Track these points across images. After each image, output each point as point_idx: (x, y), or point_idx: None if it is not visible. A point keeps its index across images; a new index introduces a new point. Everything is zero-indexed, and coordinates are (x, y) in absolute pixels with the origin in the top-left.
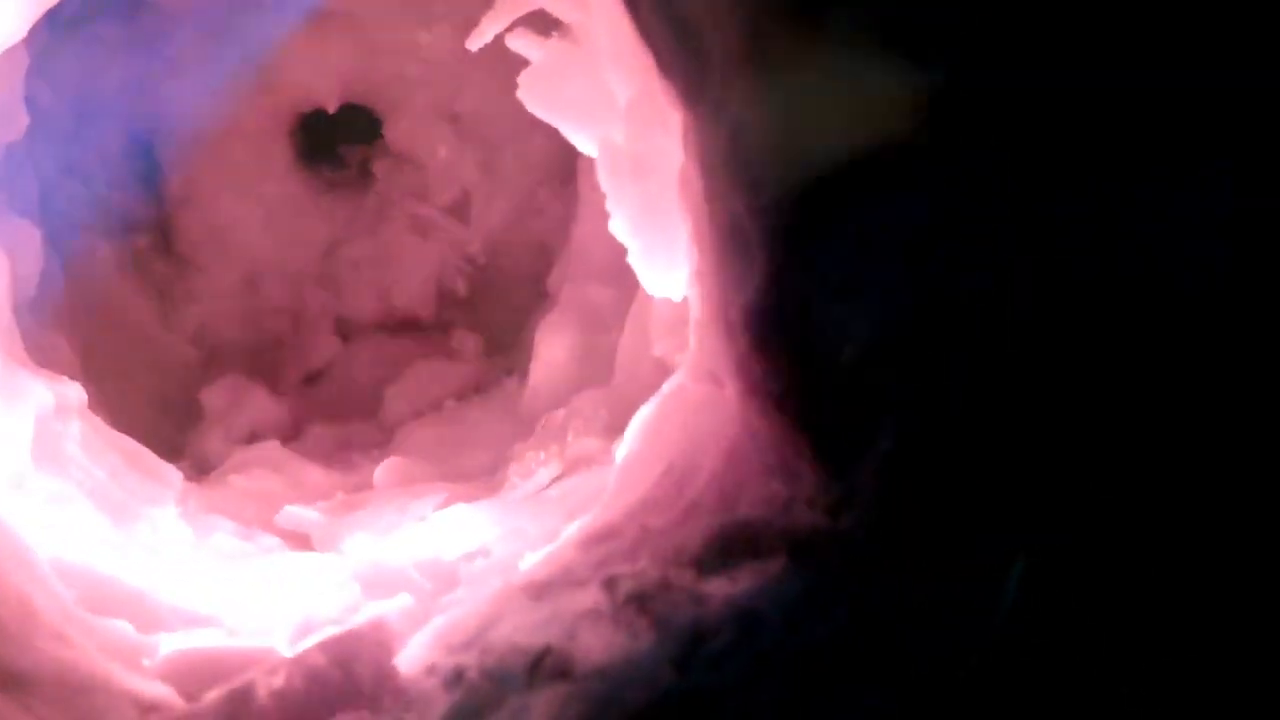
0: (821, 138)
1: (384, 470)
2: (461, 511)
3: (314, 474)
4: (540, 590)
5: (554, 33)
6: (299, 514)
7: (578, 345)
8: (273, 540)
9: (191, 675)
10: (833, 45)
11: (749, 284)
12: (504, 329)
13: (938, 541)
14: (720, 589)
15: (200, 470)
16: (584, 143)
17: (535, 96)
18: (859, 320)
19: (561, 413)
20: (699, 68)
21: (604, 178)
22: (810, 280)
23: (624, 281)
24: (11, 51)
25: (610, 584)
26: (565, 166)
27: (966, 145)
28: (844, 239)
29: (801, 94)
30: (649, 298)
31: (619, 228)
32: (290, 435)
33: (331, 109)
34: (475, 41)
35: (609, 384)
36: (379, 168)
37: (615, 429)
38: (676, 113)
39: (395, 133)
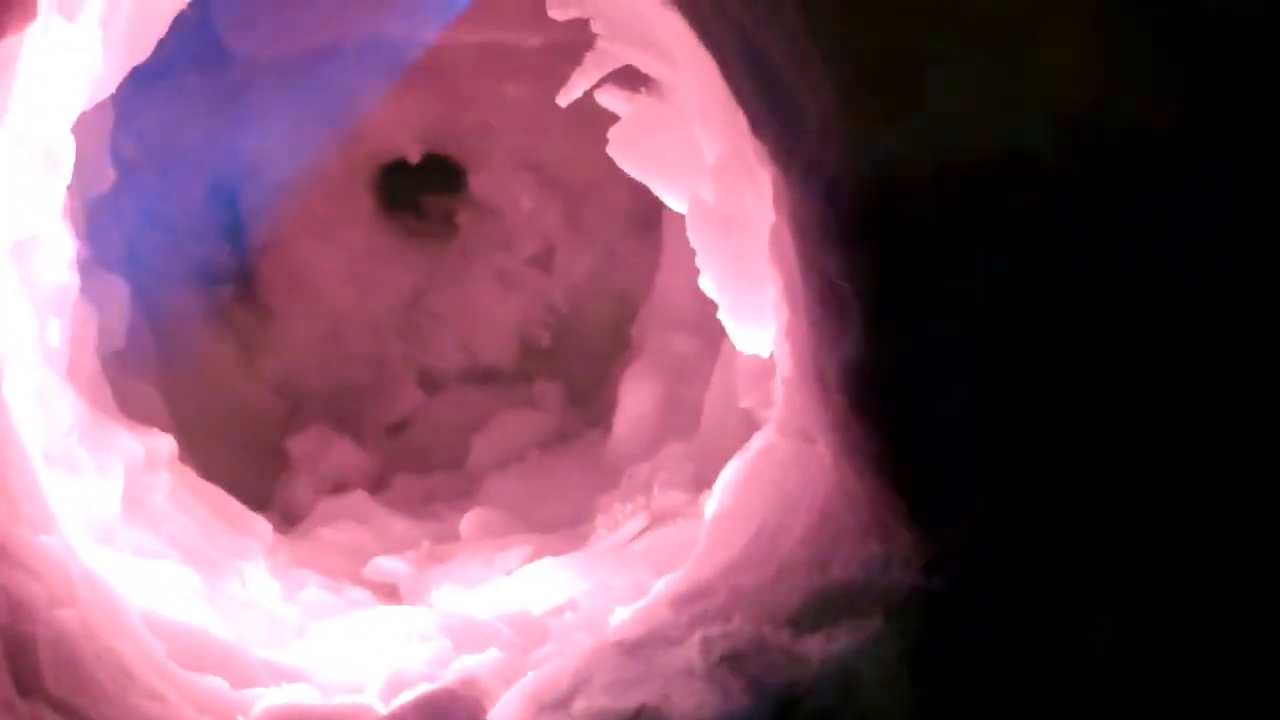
0: (914, 199)
1: (469, 521)
2: (548, 565)
3: (400, 525)
4: (632, 648)
5: (642, 89)
6: (387, 566)
7: (662, 396)
8: (361, 593)
9: None
10: (925, 109)
11: (844, 343)
12: (586, 379)
13: (1029, 600)
14: (816, 649)
15: (287, 519)
16: (672, 198)
17: (624, 152)
18: (956, 383)
19: (647, 465)
20: (791, 127)
21: (693, 234)
22: (908, 341)
23: (708, 332)
24: (99, 106)
25: (705, 644)
26: (648, 216)
27: (1068, 207)
28: (942, 300)
29: (894, 156)
30: (733, 349)
31: (708, 284)
32: (376, 486)
33: (414, 159)
34: (565, 97)
35: (694, 436)
36: (462, 218)
37: (701, 482)
38: (767, 172)
39: (478, 183)
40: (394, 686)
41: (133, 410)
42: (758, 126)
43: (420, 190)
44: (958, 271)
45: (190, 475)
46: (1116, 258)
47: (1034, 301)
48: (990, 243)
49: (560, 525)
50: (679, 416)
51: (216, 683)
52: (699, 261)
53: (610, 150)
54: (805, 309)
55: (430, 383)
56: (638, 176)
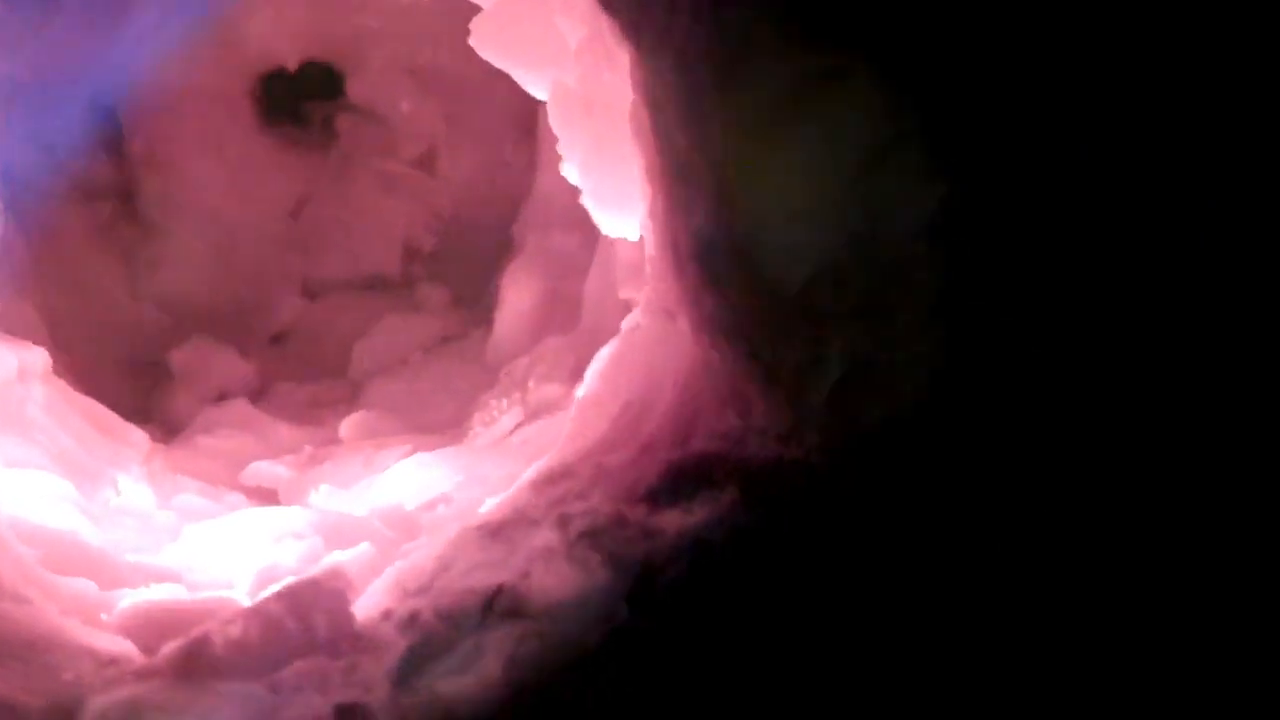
0: (766, 63)
1: (350, 424)
2: (424, 461)
3: (282, 431)
4: (495, 531)
5: None
6: (265, 470)
7: (543, 293)
8: (239, 498)
9: (151, 629)
10: None
11: (696, 215)
12: (472, 281)
13: (887, 467)
14: (673, 523)
15: (170, 432)
16: (537, 87)
17: (487, 42)
18: (806, 247)
19: (525, 360)
20: (642, 2)
21: (555, 121)
22: (757, 208)
23: (588, 227)
24: None
25: (563, 522)
26: (529, 117)
27: (911, 65)
28: (790, 165)
29: (741, 23)
30: (612, 242)
31: (571, 170)
32: (259, 394)
33: (292, 67)
34: None
35: (574, 330)
36: (342, 124)
37: (579, 375)
38: (624, 50)
39: (357, 88)
40: (263, 583)
41: (11, 327)
42: (610, 4)
43: (300, 98)
44: (807, 139)
45: (66, 388)
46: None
47: (879, 165)
48: (838, 108)
49: (442, 426)
50: (560, 312)
51: (85, 585)
52: (561, 148)
53: (473, 40)
54: (663, 185)
55: (314, 291)
56: (501, 66)
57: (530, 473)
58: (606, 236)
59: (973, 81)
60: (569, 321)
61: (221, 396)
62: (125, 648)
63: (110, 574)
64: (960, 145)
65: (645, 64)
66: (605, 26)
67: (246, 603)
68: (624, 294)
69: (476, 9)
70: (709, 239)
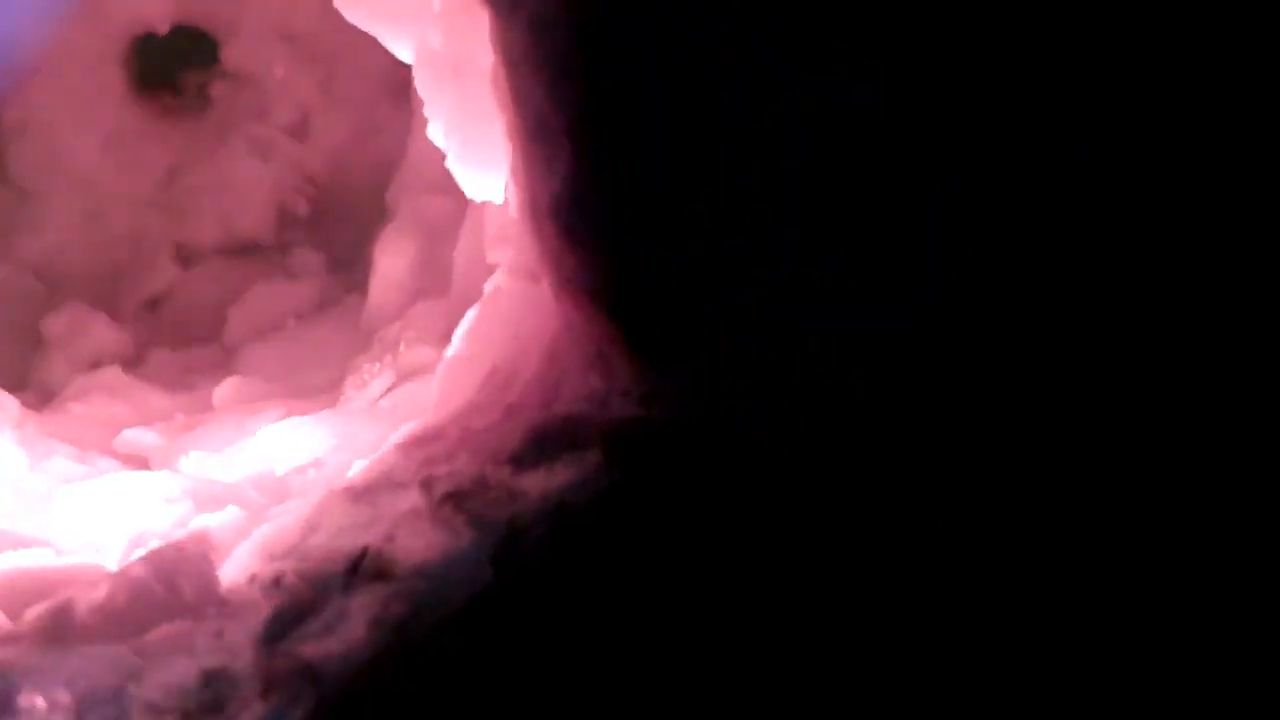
0: (619, 24)
1: (224, 390)
2: (295, 425)
3: (156, 398)
4: (360, 494)
5: None
6: (137, 437)
7: (416, 257)
8: (111, 463)
9: (16, 595)
10: None
11: (555, 176)
12: (346, 246)
13: (748, 427)
14: (536, 484)
15: (44, 399)
16: (402, 49)
17: (355, 5)
18: (666, 207)
19: (397, 325)
20: None
21: (420, 83)
22: (616, 168)
23: (460, 191)
24: None
25: (428, 484)
26: (403, 82)
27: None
28: (649, 124)
29: None
30: (483, 205)
31: (437, 132)
32: (133, 361)
33: (164, 31)
34: None
35: (446, 295)
36: (216, 90)
37: (449, 338)
38: (485, 10)
39: (231, 54)
40: (133, 548)
41: None
42: None
43: (173, 63)
44: (661, 98)
45: None
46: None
47: (744, 124)
48: (700, 64)
49: (316, 391)
50: (433, 276)
51: None
52: (426, 110)
53: (338, 4)
54: (523, 147)
55: (188, 257)
56: (366, 28)
57: (398, 436)
58: (475, 200)
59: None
60: (442, 286)
61: (95, 363)
62: None
63: None
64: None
65: (503, 24)
66: None
67: (114, 568)
68: (492, 258)
69: None
70: (567, 199)
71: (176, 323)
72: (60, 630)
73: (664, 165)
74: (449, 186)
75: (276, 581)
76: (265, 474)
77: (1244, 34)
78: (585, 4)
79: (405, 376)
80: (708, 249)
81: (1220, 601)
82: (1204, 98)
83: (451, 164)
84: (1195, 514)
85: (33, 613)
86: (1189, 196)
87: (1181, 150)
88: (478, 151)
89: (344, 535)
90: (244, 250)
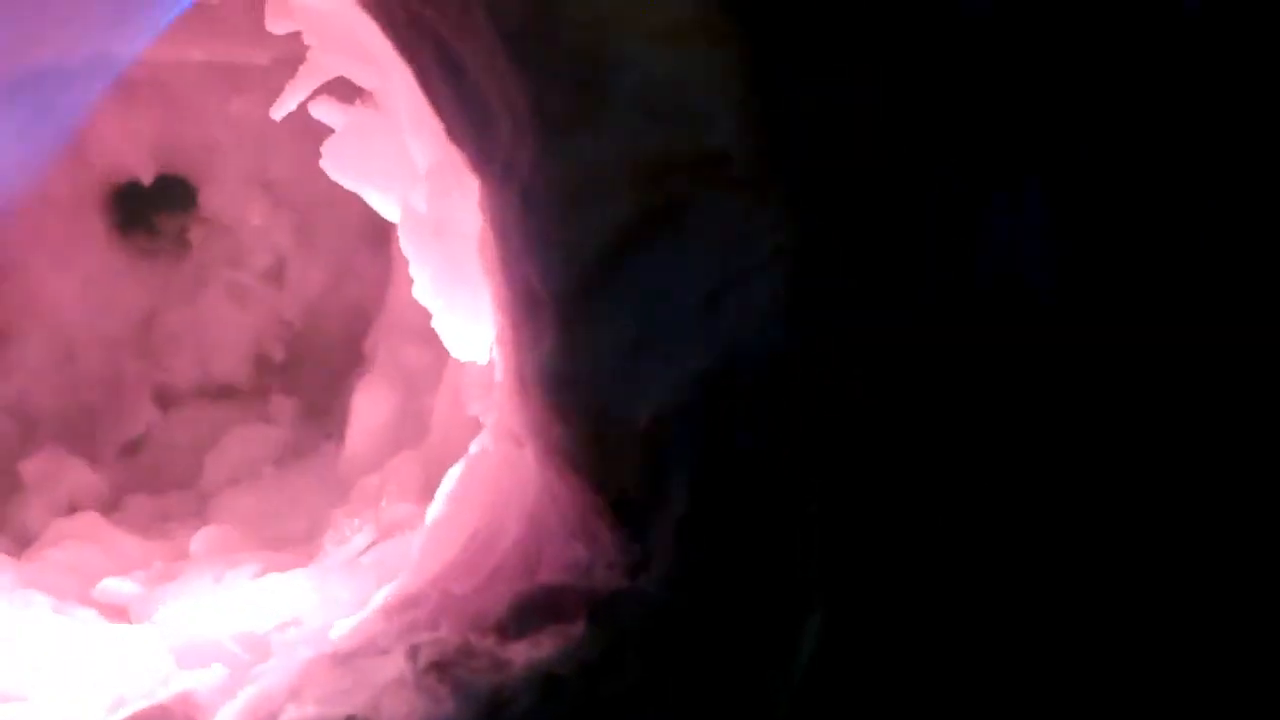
0: (607, 200)
1: (201, 539)
2: (276, 581)
3: (132, 545)
4: (345, 659)
5: (356, 100)
6: (116, 587)
7: (394, 408)
8: (90, 614)
9: None
10: (613, 110)
11: (542, 345)
12: (322, 393)
13: (734, 597)
14: (521, 654)
15: (20, 543)
16: (388, 208)
17: (339, 164)
18: (650, 381)
19: (376, 477)
20: (487, 134)
21: (405, 243)
22: (601, 341)
23: (439, 343)
24: None
25: (413, 652)
26: (381, 231)
27: (757, 199)
28: (633, 298)
29: (584, 157)
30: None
31: (423, 291)
32: (110, 505)
33: (146, 180)
34: (279, 110)
35: (424, 446)
36: (195, 235)
37: (430, 493)
38: (473, 178)
39: (209, 200)
40: (115, 706)
41: None
42: (455, 134)
43: (153, 208)
44: (650, 272)
45: None
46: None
47: (725, 299)
48: (681, 241)
49: (294, 541)
50: (410, 427)
51: None
52: (412, 270)
53: (324, 163)
54: (510, 313)
55: (165, 401)
56: (352, 188)
57: (381, 598)
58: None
59: (825, 211)
60: (419, 437)
61: (73, 507)
62: None
63: None
64: (807, 279)
65: (493, 194)
66: (455, 153)
67: None
68: (472, 411)
69: (328, 126)
70: (554, 370)
71: (153, 467)
72: None
73: (652, 338)
74: (428, 336)
75: None
76: (246, 631)
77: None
78: (573, 177)
79: (385, 532)
80: (691, 422)
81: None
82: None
83: (437, 324)
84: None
85: None
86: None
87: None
88: (463, 312)
89: (329, 702)
90: (221, 394)
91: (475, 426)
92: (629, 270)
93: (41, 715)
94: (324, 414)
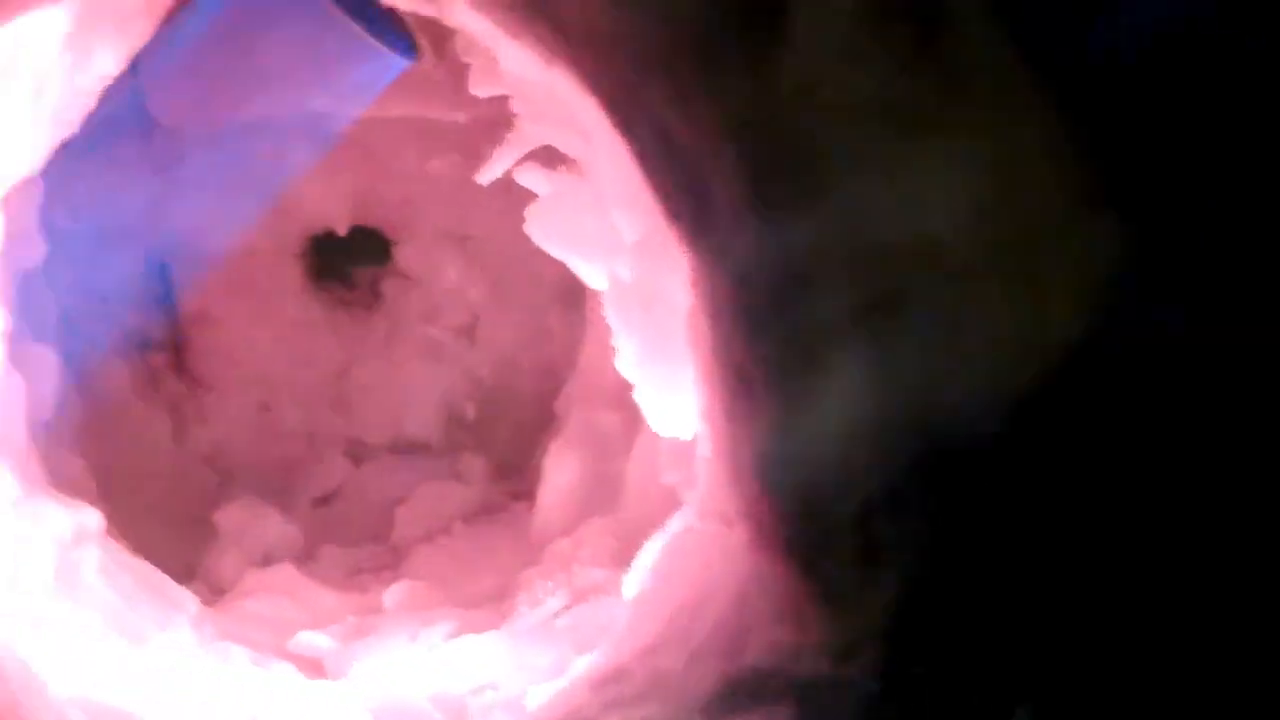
0: (825, 285)
1: (394, 595)
2: (470, 643)
3: (326, 597)
4: None
5: (561, 167)
6: (312, 640)
7: (586, 471)
8: (286, 667)
9: None
10: (832, 197)
11: (757, 430)
12: (512, 452)
13: (944, 689)
14: None
15: (214, 591)
16: (591, 276)
17: (542, 230)
18: (865, 468)
19: (568, 541)
20: (703, 213)
21: (610, 313)
22: (816, 426)
23: (632, 407)
24: (29, 180)
25: None
26: (574, 291)
27: (977, 289)
28: (850, 385)
29: (803, 243)
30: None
31: (625, 363)
32: (303, 557)
33: (342, 231)
34: (485, 175)
35: (616, 512)
36: (388, 289)
37: (623, 558)
38: (684, 255)
39: (404, 255)
40: None
41: (61, 482)
42: (671, 211)
43: (348, 261)
44: (867, 359)
45: (117, 549)
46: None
47: (943, 386)
48: (898, 328)
49: (484, 600)
50: (602, 491)
51: None
52: (615, 341)
53: (527, 228)
54: (720, 393)
55: (358, 454)
56: (555, 254)
57: (582, 669)
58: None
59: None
60: (611, 502)
61: (266, 559)
62: None
63: None
64: (1015, 370)
65: (706, 273)
66: (665, 228)
67: None
68: (666, 479)
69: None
70: (768, 454)
71: (346, 520)
72: None
73: (866, 425)
74: (621, 401)
75: None
76: (441, 691)
77: None
78: (792, 262)
79: (579, 596)
80: (905, 511)
81: None
82: None
83: (639, 397)
84: None
85: None
86: None
87: None
88: (666, 387)
89: None
90: (412, 450)
91: (670, 495)
92: (845, 356)
93: None
94: (514, 473)
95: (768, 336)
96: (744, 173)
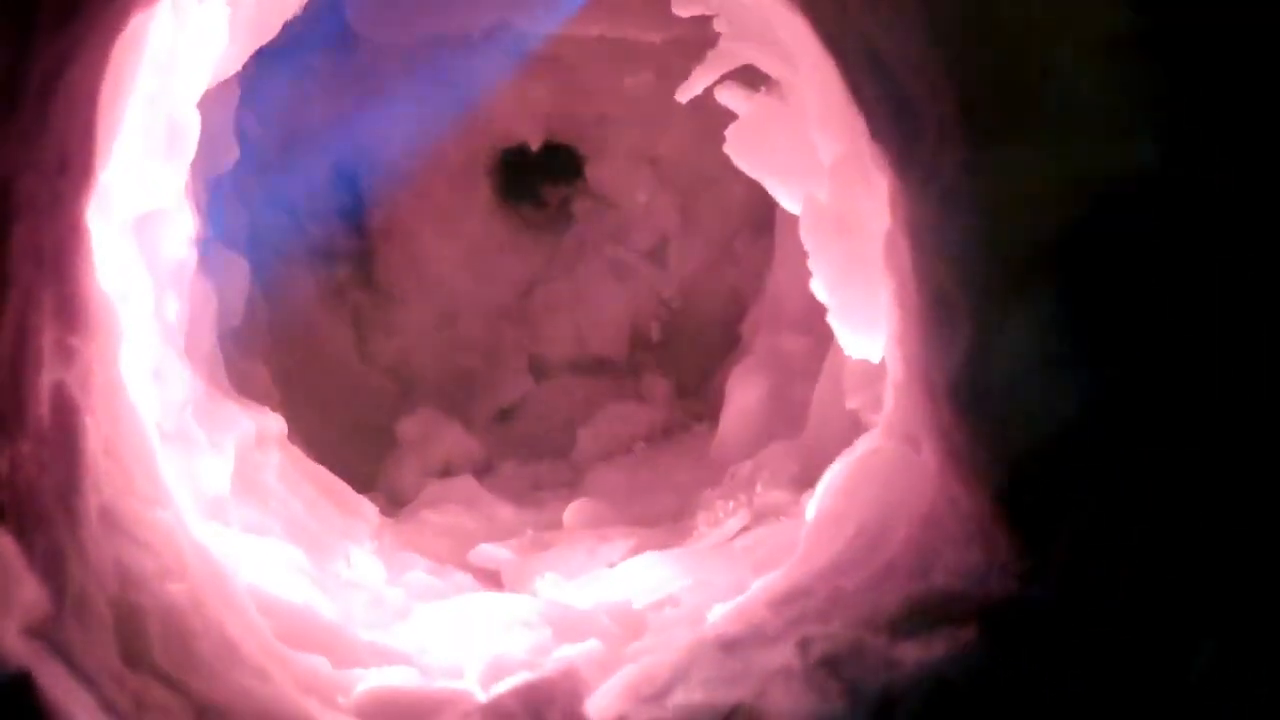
0: (1031, 212)
1: (573, 511)
2: (650, 559)
3: (505, 511)
4: (730, 646)
5: (762, 88)
6: (491, 552)
7: (769, 394)
8: (465, 578)
9: (386, 715)
10: (1043, 121)
11: (954, 352)
12: (695, 374)
13: (1130, 618)
14: (912, 654)
15: (393, 501)
16: (787, 199)
17: (741, 150)
18: (1061, 393)
19: (750, 463)
20: (910, 135)
21: (806, 235)
22: (1015, 351)
23: (818, 332)
24: (224, 84)
25: (803, 644)
26: (762, 215)
27: (1180, 227)
28: (1050, 311)
29: (1012, 167)
30: (842, 349)
31: (819, 286)
32: (482, 471)
33: (534, 147)
34: (685, 93)
35: (799, 436)
36: (578, 208)
37: (804, 482)
38: (884, 177)
39: (596, 174)
40: (494, 672)
41: (245, 388)
42: (877, 132)
43: (538, 179)
44: (1070, 287)
45: (299, 455)
46: (1227, 277)
47: (1144, 317)
48: (1102, 261)
49: (663, 519)
50: (785, 415)
51: (319, 662)
52: (811, 264)
53: (727, 148)
54: (917, 316)
55: (540, 371)
56: (754, 175)
57: (762, 585)
58: (836, 343)
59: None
60: (794, 426)
61: (446, 471)
62: None
63: (343, 651)
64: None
65: (908, 196)
66: (865, 150)
67: (480, 694)
68: (851, 404)
69: (719, 105)
70: (966, 378)
71: (526, 435)
72: None
73: (1068, 354)
74: (809, 326)
75: None
76: (622, 606)
77: None
78: (1000, 187)
79: (759, 518)
80: (1099, 436)
81: None
82: None
83: (833, 320)
84: None
85: None
86: None
87: None
88: (859, 310)
89: (714, 687)
90: (595, 368)
91: (852, 420)
92: (1048, 283)
93: (426, 680)
94: (697, 395)
95: (971, 260)
96: (954, 92)
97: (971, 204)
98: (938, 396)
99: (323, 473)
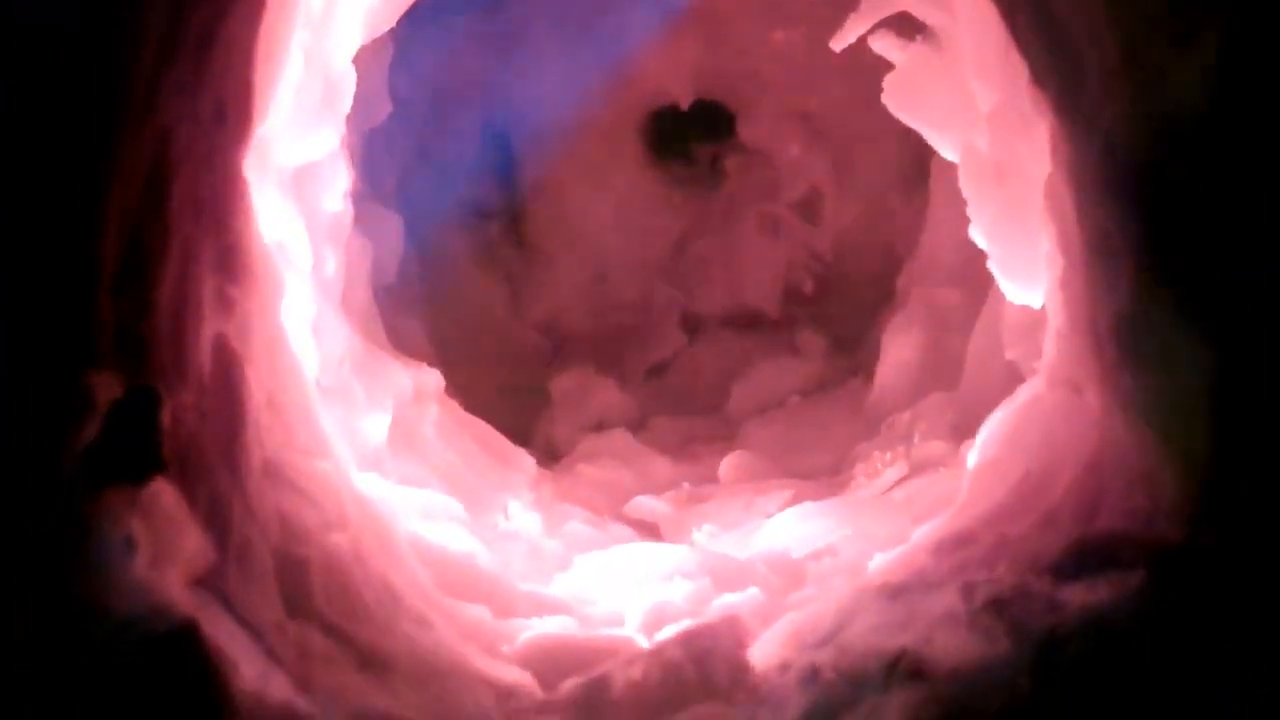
0: (1199, 152)
1: (729, 465)
2: (808, 510)
3: (660, 465)
4: (894, 592)
5: (918, 36)
6: (648, 504)
7: (925, 347)
8: (623, 529)
9: (549, 663)
10: (1212, 59)
11: (1118, 296)
12: (849, 328)
13: None
14: (1076, 597)
15: (547, 456)
16: (945, 147)
17: (898, 100)
18: (1229, 342)
19: (907, 414)
20: (1072, 78)
21: (965, 183)
22: (1181, 296)
23: (973, 284)
24: (378, 41)
25: (967, 590)
26: (916, 169)
27: None
28: (1218, 259)
29: (1178, 108)
30: (998, 301)
31: (978, 233)
32: (636, 426)
33: (684, 105)
34: (839, 42)
35: (956, 387)
36: (730, 164)
37: (962, 432)
38: (1044, 122)
39: (747, 130)
40: (655, 621)
41: (401, 344)
42: (1038, 76)
43: (689, 136)
44: (1237, 230)
45: (456, 409)
46: None
47: None
48: (1274, 203)
49: (819, 472)
50: (941, 367)
51: (480, 612)
52: (970, 211)
53: (885, 99)
54: (1080, 261)
55: (693, 327)
56: (912, 125)
57: (925, 534)
58: (991, 296)
59: None
60: (950, 378)
61: (599, 425)
62: (524, 680)
63: (503, 601)
64: None
65: (1071, 140)
66: (1025, 95)
67: (642, 642)
68: (1010, 355)
69: (869, 60)
70: (1132, 320)
71: (679, 390)
72: (594, 706)
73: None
74: (964, 278)
75: (812, 673)
76: (780, 556)
77: None
78: (1165, 124)
79: (917, 469)
80: (1262, 379)
81: None
82: None
83: (993, 267)
84: None
85: (569, 685)
86: None
87: None
88: (1019, 257)
89: (879, 633)
90: (748, 324)
91: (1009, 370)
92: (1215, 229)
93: (587, 630)
94: (851, 349)
95: (1136, 203)
96: (1119, 33)
97: (1135, 149)
98: (1102, 340)
99: (480, 425)
